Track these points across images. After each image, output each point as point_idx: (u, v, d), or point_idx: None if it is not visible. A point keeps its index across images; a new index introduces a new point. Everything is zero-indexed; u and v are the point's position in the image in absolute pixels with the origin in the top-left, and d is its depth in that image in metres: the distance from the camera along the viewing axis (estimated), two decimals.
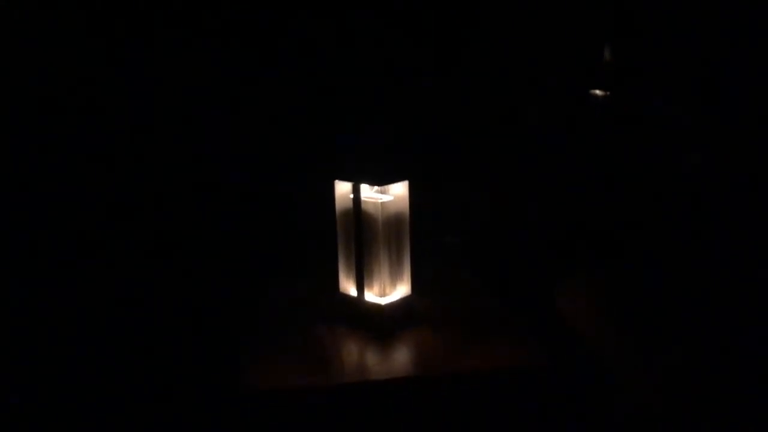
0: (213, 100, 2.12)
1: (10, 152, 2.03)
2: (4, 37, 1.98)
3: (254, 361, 1.55)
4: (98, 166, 2.08)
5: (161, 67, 2.08)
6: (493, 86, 2.24)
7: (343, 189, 1.68)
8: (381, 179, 1.62)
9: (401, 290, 1.69)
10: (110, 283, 2.09)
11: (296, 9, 2.11)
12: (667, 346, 1.71)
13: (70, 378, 1.99)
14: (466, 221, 2.26)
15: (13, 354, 1.99)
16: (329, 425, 1.45)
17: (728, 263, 1.89)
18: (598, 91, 2.26)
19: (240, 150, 2.15)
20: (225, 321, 2.02)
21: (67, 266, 2.07)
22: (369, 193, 1.65)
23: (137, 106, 2.08)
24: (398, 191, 1.66)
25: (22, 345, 2.01)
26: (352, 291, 1.70)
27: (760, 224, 1.91)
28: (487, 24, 2.21)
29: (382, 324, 1.65)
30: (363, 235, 1.64)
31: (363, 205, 1.62)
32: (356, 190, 1.62)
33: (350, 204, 1.65)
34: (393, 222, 1.65)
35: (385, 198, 1.64)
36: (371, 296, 1.67)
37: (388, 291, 1.67)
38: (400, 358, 1.58)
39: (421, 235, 1.76)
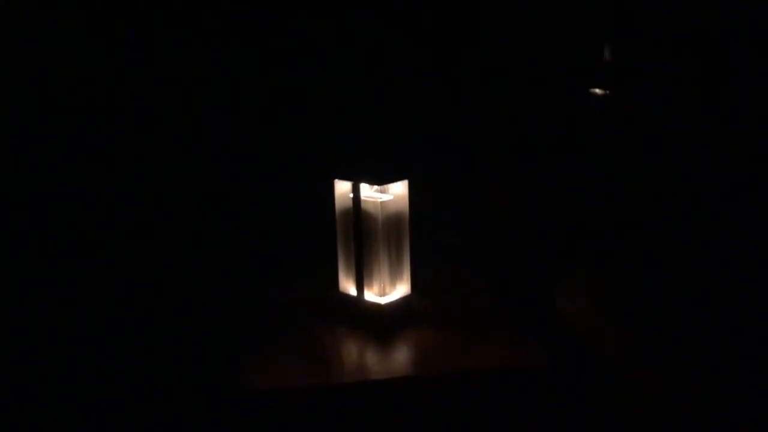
0: (213, 100, 2.12)
1: (10, 152, 2.03)
2: (4, 37, 1.98)
3: (254, 361, 1.55)
4: (98, 166, 2.08)
5: (161, 67, 2.08)
6: (493, 86, 2.24)
7: (342, 188, 1.68)
8: (381, 178, 1.62)
9: (401, 290, 1.69)
10: (110, 283, 2.09)
11: (296, 9, 2.11)
12: (667, 346, 1.70)
13: (70, 378, 1.98)
14: (466, 221, 2.26)
15: (13, 354, 1.99)
16: (329, 425, 1.45)
17: (728, 263, 1.89)
18: (597, 91, 2.26)
19: (240, 150, 2.15)
20: (225, 321, 2.01)
21: (67, 266, 2.07)
22: (368, 192, 1.65)
23: (137, 106, 2.08)
24: (398, 190, 1.66)
25: (22, 345, 2.01)
26: (352, 290, 1.70)
27: (760, 224, 1.91)
28: (487, 24, 2.21)
29: (381, 323, 1.65)
30: (362, 234, 1.64)
31: (363, 205, 1.62)
32: (356, 190, 1.62)
33: (350, 203, 1.65)
34: (393, 221, 1.65)
35: (385, 197, 1.64)
36: (371, 296, 1.67)
37: (388, 290, 1.67)
38: (400, 358, 1.58)
39: (421, 235, 1.76)
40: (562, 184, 2.28)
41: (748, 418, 1.47)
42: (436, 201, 2.17)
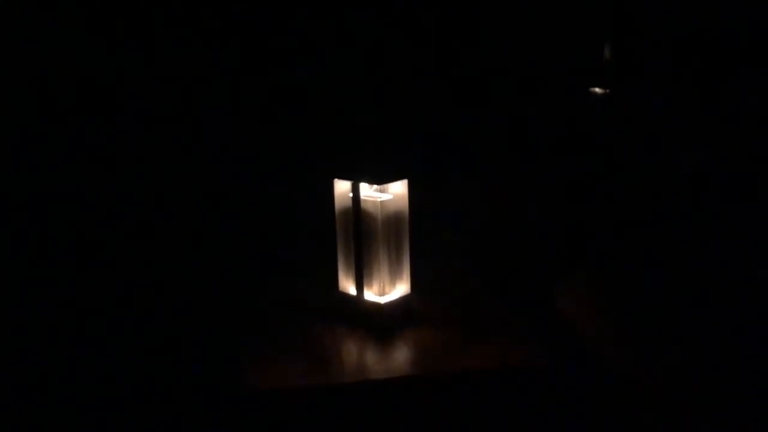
0: (213, 100, 2.12)
1: (10, 152, 2.03)
2: (4, 37, 1.98)
3: (254, 361, 1.55)
4: (98, 166, 2.08)
5: (161, 67, 2.08)
6: (493, 86, 2.24)
7: (342, 188, 1.68)
8: (380, 178, 1.62)
9: (400, 289, 1.69)
10: (110, 283, 2.09)
11: (296, 9, 2.11)
12: (667, 346, 1.70)
13: (70, 378, 1.98)
14: (466, 221, 2.26)
15: (13, 354, 1.99)
16: (329, 425, 1.45)
17: (728, 263, 1.89)
18: (597, 90, 2.26)
19: (240, 150, 2.15)
20: (225, 321, 2.01)
21: (67, 266, 2.07)
22: (368, 191, 1.65)
23: (137, 106, 2.08)
24: (397, 190, 1.66)
25: (22, 345, 2.01)
26: (352, 290, 1.70)
27: (760, 224, 1.91)
28: (487, 24, 2.21)
29: (381, 323, 1.65)
30: (362, 234, 1.64)
31: (362, 204, 1.62)
32: (355, 189, 1.62)
33: (349, 203, 1.65)
34: (392, 221, 1.65)
35: (385, 197, 1.64)
36: (371, 295, 1.67)
37: (388, 290, 1.67)
38: (400, 358, 1.58)
39: (421, 235, 1.76)
40: (562, 184, 2.28)
41: (748, 418, 1.47)
42: (436, 201, 2.17)
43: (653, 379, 1.61)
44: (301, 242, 2.16)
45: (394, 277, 1.68)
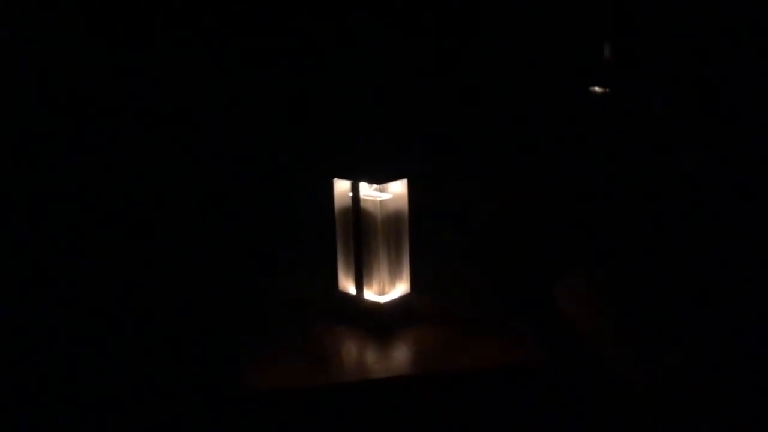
0: (213, 100, 2.12)
1: (10, 152, 2.03)
2: (4, 37, 1.98)
3: (254, 361, 1.54)
4: (98, 166, 2.08)
5: (161, 67, 2.08)
6: (493, 86, 2.24)
7: (342, 187, 1.68)
8: (380, 177, 1.62)
9: (400, 288, 1.69)
10: (110, 283, 2.09)
11: (296, 9, 2.11)
12: (667, 346, 1.70)
13: (70, 378, 1.98)
14: (466, 221, 2.26)
15: (13, 354, 1.99)
16: (329, 425, 1.45)
17: (728, 263, 1.89)
18: (597, 89, 2.26)
19: (239, 149, 2.15)
20: (225, 321, 2.01)
21: (67, 266, 2.07)
22: (368, 191, 1.65)
23: (137, 106, 2.08)
24: (397, 189, 1.65)
25: (22, 345, 2.01)
26: (351, 289, 1.69)
27: (760, 224, 1.91)
28: (487, 24, 2.21)
29: (381, 322, 1.65)
30: (362, 233, 1.64)
31: (362, 204, 1.62)
32: (355, 189, 1.62)
33: (349, 202, 1.65)
34: (392, 220, 1.64)
35: (384, 196, 1.64)
36: (370, 295, 1.67)
37: (388, 289, 1.67)
38: (400, 357, 1.58)
39: (421, 234, 1.76)
40: (562, 184, 2.28)
41: (748, 418, 1.47)
42: (435, 200, 2.17)
43: (653, 379, 1.61)
44: (300, 242, 2.16)
45: (394, 276, 1.68)
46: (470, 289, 1.96)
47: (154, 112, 2.09)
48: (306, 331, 1.68)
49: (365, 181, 1.62)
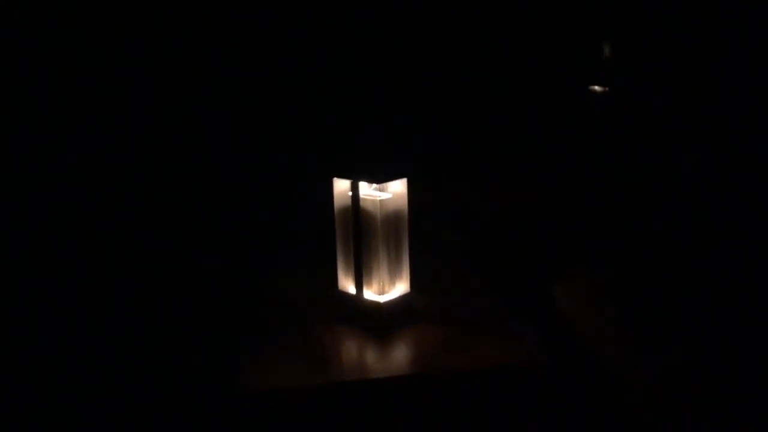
0: (213, 100, 2.12)
1: (10, 152, 2.03)
2: (4, 37, 1.98)
3: (254, 361, 1.54)
4: (98, 166, 2.08)
5: (161, 67, 2.08)
6: (493, 86, 2.24)
7: (341, 187, 1.68)
8: (380, 176, 1.62)
9: (400, 288, 1.69)
10: (110, 283, 2.09)
11: (296, 9, 2.11)
12: (667, 346, 1.70)
13: (70, 378, 1.98)
14: (466, 221, 2.26)
15: (13, 354, 1.99)
16: (329, 425, 1.45)
17: (728, 263, 1.89)
18: (597, 88, 2.26)
19: (239, 149, 2.15)
20: (225, 321, 2.01)
21: (67, 266, 2.07)
22: (367, 190, 1.65)
23: (137, 106, 2.08)
24: (397, 189, 1.65)
25: (22, 345, 2.01)
26: (351, 289, 1.69)
27: (760, 224, 1.90)
28: (486, 23, 2.21)
29: (381, 322, 1.65)
30: (362, 233, 1.64)
31: (361, 203, 1.62)
32: (355, 188, 1.62)
33: (349, 202, 1.64)
34: (392, 220, 1.64)
35: (384, 195, 1.64)
36: (370, 294, 1.66)
37: (387, 289, 1.67)
38: (399, 356, 1.58)
39: (420, 234, 1.76)
40: (562, 184, 2.28)
41: (748, 418, 1.47)
42: (435, 200, 2.17)
43: (653, 379, 1.61)
44: (300, 242, 2.16)
45: (394, 276, 1.68)
46: (470, 289, 1.96)
47: (154, 112, 2.09)
48: (306, 331, 1.68)
49: (365, 181, 1.62)
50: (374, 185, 1.64)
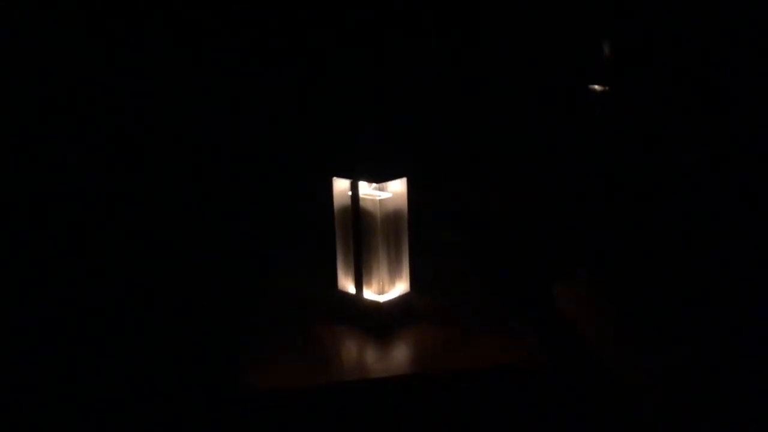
0: (213, 100, 2.12)
1: (10, 152, 2.03)
2: (4, 37, 1.98)
3: (254, 361, 1.54)
4: (98, 166, 2.08)
5: (161, 66, 2.08)
6: (493, 86, 2.24)
7: (341, 186, 1.68)
8: (379, 176, 1.62)
9: (400, 288, 1.69)
10: (110, 283, 2.09)
11: (296, 9, 2.11)
12: (667, 346, 1.70)
13: (70, 378, 1.98)
14: (466, 221, 2.26)
15: (13, 354, 1.99)
16: (329, 424, 1.45)
17: (728, 263, 1.89)
18: (597, 87, 2.26)
19: (239, 149, 2.15)
20: (225, 321, 2.01)
21: (67, 266, 2.07)
22: (367, 190, 1.65)
23: (137, 106, 2.09)
24: (397, 188, 1.65)
25: (22, 345, 2.01)
26: (351, 289, 1.69)
27: (760, 224, 1.90)
28: (487, 23, 2.21)
29: (380, 322, 1.65)
30: (361, 232, 1.63)
31: (361, 203, 1.62)
32: (354, 187, 1.61)
33: (348, 201, 1.64)
34: (391, 219, 1.64)
35: (384, 195, 1.64)
36: (370, 294, 1.66)
37: (387, 288, 1.67)
38: (399, 356, 1.58)
39: (420, 233, 1.76)
40: (562, 184, 2.28)
41: (748, 418, 1.47)
42: (435, 200, 2.17)
43: (653, 380, 1.61)
44: (300, 242, 2.16)
45: (394, 275, 1.68)
46: (470, 289, 1.96)
47: (154, 111, 2.09)
48: (306, 331, 1.68)
49: (365, 180, 1.62)
50: (374, 185, 1.64)
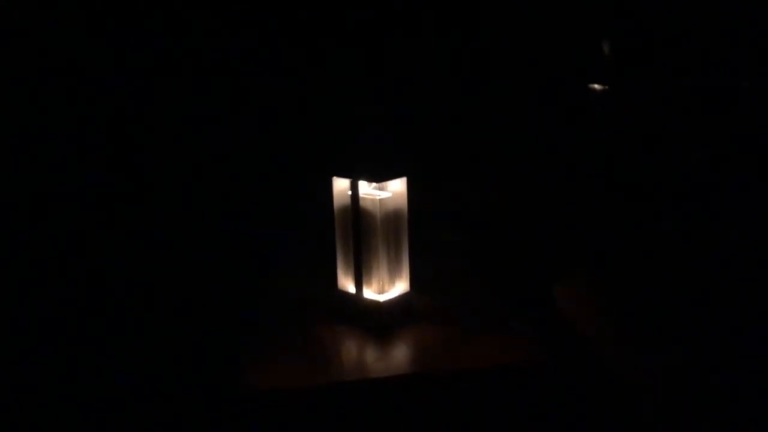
0: (213, 100, 2.12)
1: (10, 152, 2.03)
2: (4, 37, 1.98)
3: (254, 361, 1.54)
4: (98, 166, 2.08)
5: (161, 66, 2.08)
6: (493, 86, 2.24)
7: (341, 186, 1.68)
8: (379, 175, 1.62)
9: (400, 287, 1.69)
10: (110, 283, 2.09)
11: (296, 8, 2.11)
12: (667, 346, 1.70)
13: (70, 378, 1.98)
14: (467, 221, 2.26)
15: (13, 354, 1.99)
16: (329, 424, 1.45)
17: (728, 263, 1.89)
18: (597, 86, 2.26)
19: (239, 149, 2.15)
20: (225, 321, 2.01)
21: (67, 266, 2.07)
22: (367, 189, 1.65)
23: (137, 106, 2.09)
24: (396, 188, 1.65)
25: (22, 345, 2.01)
26: (351, 288, 1.69)
27: (760, 224, 1.91)
28: (487, 23, 2.22)
29: (380, 321, 1.65)
30: (361, 232, 1.63)
31: (361, 202, 1.62)
32: (354, 187, 1.61)
33: (348, 201, 1.64)
34: (391, 219, 1.64)
35: (384, 194, 1.64)
36: (370, 294, 1.66)
37: (387, 288, 1.67)
38: (399, 356, 1.58)
39: (420, 233, 1.76)
40: (562, 184, 2.28)
41: (748, 418, 1.47)
42: (435, 200, 2.17)
43: (653, 380, 1.61)
44: (300, 241, 2.16)
45: (394, 275, 1.68)
46: (470, 289, 1.96)
47: (154, 111, 2.09)
48: (306, 331, 1.68)
49: (364, 180, 1.62)
50: (374, 184, 1.64)
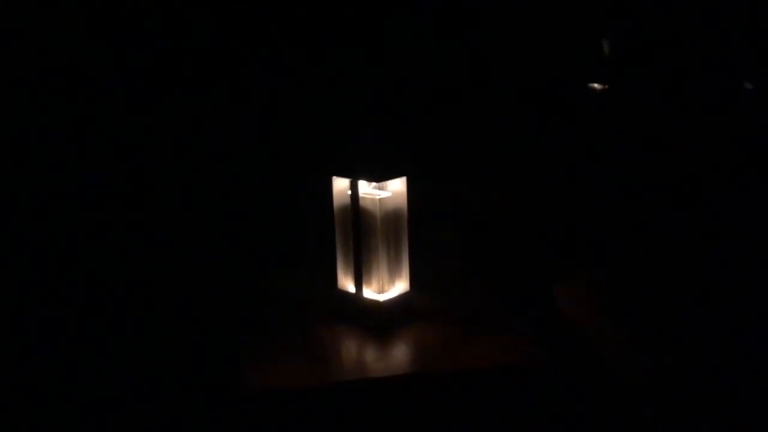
0: (213, 100, 2.12)
1: (9, 152, 2.03)
2: (4, 37, 1.99)
3: (254, 361, 1.54)
4: (98, 166, 2.08)
5: (160, 66, 2.08)
6: (493, 86, 2.24)
7: (340, 185, 1.68)
8: (379, 175, 1.62)
9: (400, 287, 1.69)
10: (110, 283, 2.09)
11: (296, 8, 2.12)
12: (667, 346, 1.70)
13: (70, 378, 1.98)
14: (466, 221, 2.26)
15: (13, 354, 1.99)
16: (329, 424, 1.45)
17: (728, 263, 1.89)
18: (596, 86, 2.26)
19: (239, 149, 2.15)
20: (225, 321, 2.01)
21: (67, 266, 2.07)
22: (367, 189, 1.65)
23: (137, 106, 2.09)
24: (396, 187, 1.65)
25: (22, 345, 2.01)
26: (351, 288, 1.69)
27: (760, 224, 1.91)
28: (486, 23, 2.22)
29: (380, 321, 1.65)
30: (361, 231, 1.63)
31: (361, 202, 1.62)
32: (354, 186, 1.62)
33: (348, 200, 1.64)
34: (391, 218, 1.64)
35: (383, 194, 1.64)
36: (370, 293, 1.66)
37: (387, 287, 1.67)
38: (399, 356, 1.58)
39: (420, 233, 1.76)
40: (562, 184, 2.28)
41: (748, 418, 1.47)
42: (435, 199, 2.17)
43: (653, 379, 1.61)
44: (300, 241, 2.16)
45: (393, 274, 1.68)
46: (470, 288, 1.96)
47: (154, 111, 2.09)
48: (306, 331, 1.68)
49: (364, 179, 1.62)
50: (373, 184, 1.64)
